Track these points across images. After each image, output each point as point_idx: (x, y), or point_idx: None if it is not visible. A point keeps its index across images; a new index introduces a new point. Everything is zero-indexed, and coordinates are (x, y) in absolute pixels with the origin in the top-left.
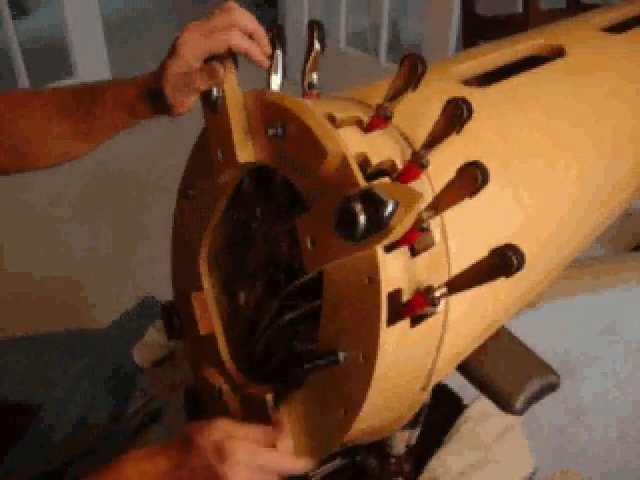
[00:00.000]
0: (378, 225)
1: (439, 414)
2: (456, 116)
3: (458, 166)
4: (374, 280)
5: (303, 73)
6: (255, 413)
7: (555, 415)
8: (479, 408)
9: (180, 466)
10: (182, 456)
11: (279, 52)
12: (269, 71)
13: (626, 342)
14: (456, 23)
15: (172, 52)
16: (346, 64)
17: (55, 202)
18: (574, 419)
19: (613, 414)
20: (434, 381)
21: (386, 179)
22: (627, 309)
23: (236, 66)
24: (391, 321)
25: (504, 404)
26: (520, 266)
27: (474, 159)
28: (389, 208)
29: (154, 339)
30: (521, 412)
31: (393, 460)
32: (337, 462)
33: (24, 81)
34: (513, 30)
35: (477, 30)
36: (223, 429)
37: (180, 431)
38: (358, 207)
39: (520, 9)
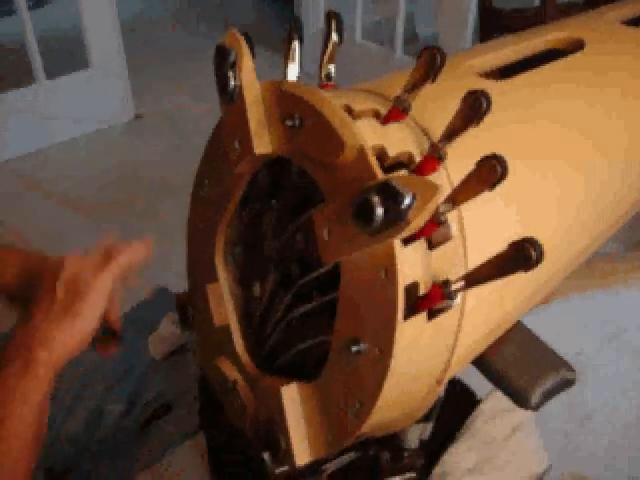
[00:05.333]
0: (396, 217)
1: (452, 409)
2: (475, 108)
3: (476, 159)
4: (391, 273)
5: (320, 64)
6: (269, 405)
7: (561, 420)
8: (492, 404)
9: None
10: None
11: (296, 43)
12: (286, 62)
13: (633, 347)
14: (473, 16)
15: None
16: (362, 57)
17: (69, 205)
18: (579, 424)
19: (619, 420)
20: (449, 375)
21: (404, 171)
22: (635, 313)
23: (253, 55)
24: (407, 315)
25: (519, 399)
26: (539, 259)
27: (492, 152)
28: (407, 200)
29: (168, 331)
30: (537, 407)
31: (406, 454)
32: (350, 455)
33: (40, 72)
34: (530, 23)
35: (494, 23)
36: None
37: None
38: (375, 199)
39: (537, 2)
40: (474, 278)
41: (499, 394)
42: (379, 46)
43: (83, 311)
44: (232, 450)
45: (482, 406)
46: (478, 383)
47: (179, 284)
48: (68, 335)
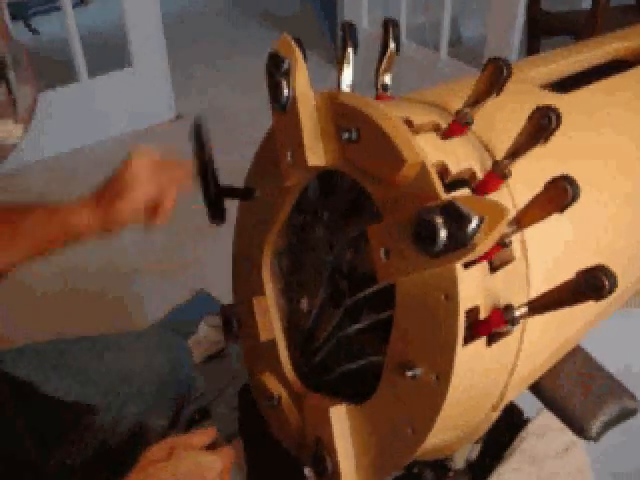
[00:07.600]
0: (460, 241)
1: (500, 428)
2: (543, 126)
3: (542, 178)
4: (452, 297)
5: (377, 74)
6: (315, 424)
7: (610, 434)
8: (541, 423)
9: None
10: None
11: (350, 50)
12: (340, 69)
13: None
14: (521, 19)
15: None
16: (406, 59)
17: None
18: (630, 439)
19: None
20: (506, 401)
21: (465, 189)
22: None
23: (305, 60)
24: (467, 339)
25: (578, 428)
26: (612, 289)
27: (558, 171)
28: (473, 224)
29: (206, 335)
30: (597, 438)
31: (451, 474)
32: (393, 474)
33: (83, 71)
34: (581, 26)
35: (542, 26)
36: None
37: None
38: (439, 221)
39: (586, 5)
40: (539, 305)
41: (548, 413)
42: (423, 48)
43: None
44: (270, 459)
45: (531, 425)
46: (525, 401)
47: (219, 288)
48: None
